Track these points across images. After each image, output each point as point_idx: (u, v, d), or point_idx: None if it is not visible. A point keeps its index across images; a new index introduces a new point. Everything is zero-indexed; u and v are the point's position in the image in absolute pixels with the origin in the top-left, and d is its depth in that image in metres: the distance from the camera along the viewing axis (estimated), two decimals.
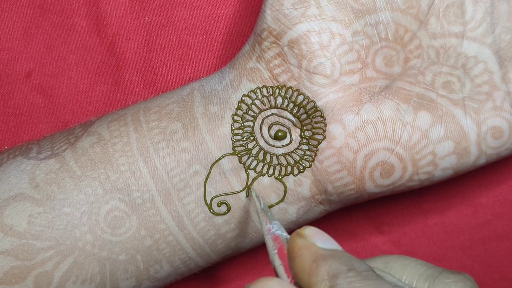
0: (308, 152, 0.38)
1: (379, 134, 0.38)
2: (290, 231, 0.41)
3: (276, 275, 0.31)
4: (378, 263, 0.35)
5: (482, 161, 0.40)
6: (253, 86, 0.38)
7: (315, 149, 0.38)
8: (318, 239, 0.31)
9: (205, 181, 0.38)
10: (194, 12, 0.46)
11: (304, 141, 0.38)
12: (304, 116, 0.38)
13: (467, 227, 0.48)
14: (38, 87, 0.46)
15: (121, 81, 0.47)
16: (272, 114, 0.38)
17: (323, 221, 0.47)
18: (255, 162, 0.38)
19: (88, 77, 0.47)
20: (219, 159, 0.38)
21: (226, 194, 0.38)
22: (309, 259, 0.29)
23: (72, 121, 0.46)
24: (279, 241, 0.32)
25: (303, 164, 0.38)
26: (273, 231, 0.33)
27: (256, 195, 0.38)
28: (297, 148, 0.38)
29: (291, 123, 0.38)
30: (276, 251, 0.32)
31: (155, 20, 0.46)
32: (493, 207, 0.48)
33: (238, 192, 0.38)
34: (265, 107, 0.38)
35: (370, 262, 0.35)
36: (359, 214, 0.48)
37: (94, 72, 0.47)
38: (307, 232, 0.31)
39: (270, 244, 0.33)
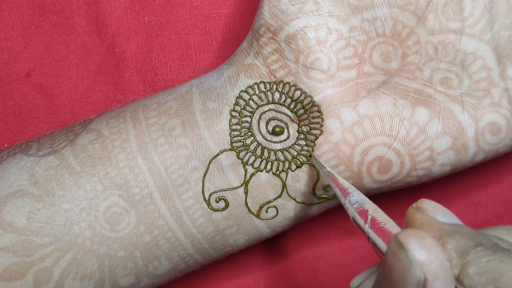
0: (305, 147, 0.38)
1: (376, 129, 0.38)
2: (288, 228, 0.41)
3: (379, 254, 0.30)
4: (500, 232, 0.34)
5: (480, 157, 0.40)
6: (251, 82, 0.38)
7: (313, 144, 0.38)
8: (439, 214, 0.30)
9: (204, 177, 0.38)
10: (193, 12, 0.46)
11: (302, 136, 0.38)
12: (302, 111, 0.38)
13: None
14: (38, 87, 0.47)
15: (121, 81, 0.47)
16: (270, 109, 0.39)
17: (322, 220, 0.47)
18: (253, 158, 0.38)
19: (88, 77, 0.47)
20: (217, 154, 0.38)
21: (225, 190, 0.38)
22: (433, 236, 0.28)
23: (72, 121, 0.47)
24: (366, 214, 0.31)
25: (301, 159, 0.38)
26: (356, 206, 0.32)
27: (320, 164, 0.37)
28: (294, 143, 0.38)
29: (289, 119, 0.38)
30: (369, 227, 0.30)
31: (155, 20, 0.46)
32: (493, 207, 0.48)
33: (236, 188, 0.38)
34: (262, 103, 0.38)
35: (491, 231, 0.34)
36: None
37: (94, 72, 0.47)
38: (426, 206, 0.30)
39: (359, 220, 0.31)
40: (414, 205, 0.30)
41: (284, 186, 0.39)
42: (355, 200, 0.33)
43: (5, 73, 0.47)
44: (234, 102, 0.39)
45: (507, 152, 0.40)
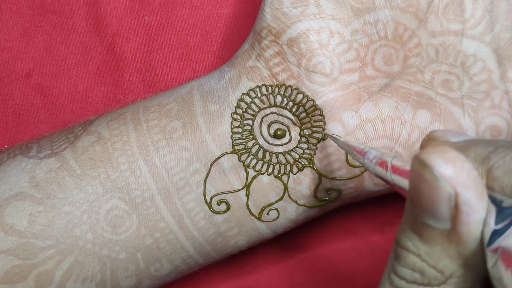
0: (307, 151, 0.38)
1: (378, 132, 0.38)
2: (289, 230, 0.41)
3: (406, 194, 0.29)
4: None
5: None
6: (253, 85, 0.38)
7: (315, 147, 0.38)
8: (451, 136, 0.28)
9: (205, 180, 0.38)
10: (194, 12, 0.46)
11: (304, 139, 0.38)
12: (304, 114, 0.38)
13: None
14: (37, 87, 0.47)
15: (121, 81, 0.47)
16: (272, 112, 0.38)
17: (323, 219, 0.47)
18: (254, 161, 0.38)
19: (88, 77, 0.47)
20: (219, 157, 0.38)
21: (226, 193, 0.38)
22: None
23: (72, 121, 0.46)
24: (386, 164, 0.30)
25: (302, 163, 0.38)
26: (375, 161, 0.31)
27: (333, 138, 0.37)
28: (296, 147, 0.38)
29: (291, 122, 0.38)
30: (391, 173, 0.30)
31: (155, 20, 0.46)
32: None
33: (237, 190, 0.38)
34: (264, 106, 0.38)
35: None
36: (360, 213, 0.48)
37: (94, 72, 0.47)
38: (436, 134, 0.29)
39: (381, 172, 0.30)
40: (425, 137, 0.29)
41: (285, 189, 0.39)
42: (372, 156, 0.32)
43: (5, 73, 0.46)
44: (235, 104, 0.38)
45: None
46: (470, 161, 0.26)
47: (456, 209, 0.25)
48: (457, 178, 0.25)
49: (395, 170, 0.30)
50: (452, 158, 0.25)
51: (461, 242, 0.25)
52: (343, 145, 0.35)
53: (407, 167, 0.29)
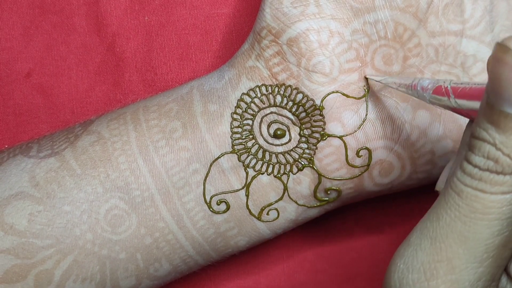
0: (307, 151, 0.38)
1: (378, 132, 0.38)
2: (289, 230, 0.41)
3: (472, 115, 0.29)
4: None
5: None
6: (252, 85, 0.38)
7: (314, 147, 0.38)
8: None
9: (205, 180, 0.38)
10: (194, 11, 0.46)
11: (303, 139, 0.38)
12: (303, 114, 0.38)
13: None
14: (38, 87, 0.47)
15: (121, 81, 0.47)
16: (271, 112, 0.38)
17: (321, 219, 0.47)
18: (254, 161, 0.38)
19: (88, 77, 0.47)
20: (219, 157, 0.38)
21: (226, 193, 0.38)
22: None
23: (72, 121, 0.46)
24: (443, 89, 0.30)
25: (302, 162, 0.38)
26: (431, 86, 0.31)
27: (373, 78, 0.37)
28: (296, 147, 0.38)
29: (290, 122, 0.38)
30: (453, 97, 0.29)
31: (155, 20, 0.46)
32: None
33: (237, 190, 0.38)
34: (264, 106, 0.38)
35: None
36: (360, 213, 0.48)
37: (94, 72, 0.47)
38: None
39: (441, 98, 0.30)
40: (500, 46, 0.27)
41: (285, 189, 0.39)
42: (427, 84, 0.32)
43: (5, 73, 0.46)
44: (235, 104, 0.38)
45: None
46: None
47: None
48: None
49: (456, 92, 0.29)
50: None
51: None
52: (389, 83, 0.35)
53: (469, 85, 0.29)
